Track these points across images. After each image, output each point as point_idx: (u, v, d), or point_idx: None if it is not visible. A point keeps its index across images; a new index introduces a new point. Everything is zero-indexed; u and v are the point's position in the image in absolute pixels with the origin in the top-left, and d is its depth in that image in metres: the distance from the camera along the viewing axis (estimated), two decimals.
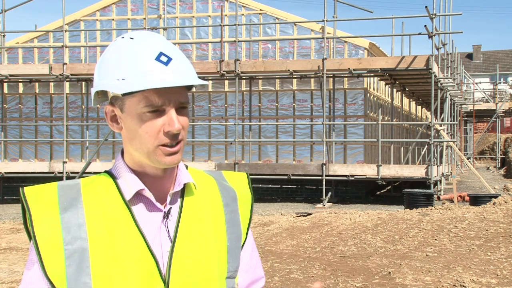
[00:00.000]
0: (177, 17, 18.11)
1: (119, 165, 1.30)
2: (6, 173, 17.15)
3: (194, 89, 15.76)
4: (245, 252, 1.41)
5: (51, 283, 1.19)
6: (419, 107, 25.28)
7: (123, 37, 1.26)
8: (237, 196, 1.40)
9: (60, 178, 16.40)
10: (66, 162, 16.76)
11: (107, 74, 1.24)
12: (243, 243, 1.40)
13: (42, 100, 18.51)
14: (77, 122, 18.04)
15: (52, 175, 16.60)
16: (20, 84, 18.54)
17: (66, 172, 16.56)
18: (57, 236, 1.20)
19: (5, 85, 18.47)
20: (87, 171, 15.33)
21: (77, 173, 16.04)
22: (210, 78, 16.41)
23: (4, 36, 18.23)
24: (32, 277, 1.22)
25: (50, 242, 1.19)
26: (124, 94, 1.21)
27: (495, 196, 12.43)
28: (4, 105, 18.55)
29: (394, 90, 17.99)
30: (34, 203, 1.22)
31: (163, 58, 1.21)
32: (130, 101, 1.22)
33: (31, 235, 1.22)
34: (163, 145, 1.23)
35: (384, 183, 16.25)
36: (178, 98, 1.23)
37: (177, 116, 1.23)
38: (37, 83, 18.38)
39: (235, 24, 15.99)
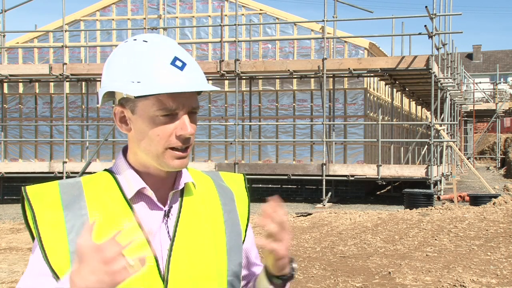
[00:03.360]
0: (177, 17, 18.11)
1: (121, 164, 1.31)
2: (6, 173, 17.15)
3: None
4: (247, 249, 1.44)
5: (57, 278, 1.20)
6: (419, 107, 25.28)
7: (135, 39, 1.27)
8: (235, 196, 1.42)
9: (60, 178, 16.40)
10: (66, 162, 16.76)
11: (119, 75, 1.24)
12: (243, 241, 1.42)
13: (42, 100, 18.52)
14: (77, 122, 18.04)
15: (52, 175, 16.60)
16: (20, 84, 18.54)
17: (66, 172, 16.56)
18: (61, 234, 1.20)
19: (5, 85, 18.47)
20: (87, 171, 15.34)
21: (77, 173, 16.05)
22: (210, 78, 16.41)
23: (4, 36, 18.23)
24: (36, 273, 1.22)
25: (55, 239, 1.20)
26: (137, 97, 1.21)
27: (495, 196, 12.43)
28: (4, 105, 18.55)
29: (394, 90, 17.99)
30: (37, 201, 1.22)
31: (178, 63, 1.23)
32: (143, 103, 1.23)
33: (33, 234, 1.23)
34: (172, 148, 1.24)
35: (384, 183, 16.25)
36: (190, 103, 1.24)
37: (189, 121, 1.24)
38: (37, 83, 18.38)
39: (235, 24, 15.99)
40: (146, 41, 1.25)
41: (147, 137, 1.24)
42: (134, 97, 1.22)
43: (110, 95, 1.30)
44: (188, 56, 1.26)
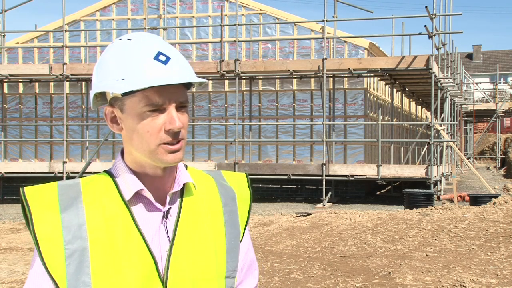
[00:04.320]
0: (177, 17, 18.11)
1: (119, 165, 1.31)
2: (6, 173, 17.15)
3: (194, 89, 15.75)
4: (241, 250, 1.42)
5: (53, 280, 1.20)
6: (419, 107, 25.28)
7: (120, 39, 1.28)
8: (236, 196, 1.41)
9: (60, 178, 16.39)
10: (66, 162, 16.76)
11: (106, 75, 1.25)
12: (240, 242, 1.41)
13: (42, 100, 18.52)
14: (77, 122, 18.04)
15: (52, 175, 16.60)
16: (20, 84, 18.54)
17: (66, 172, 16.56)
18: (57, 236, 1.20)
19: (5, 85, 18.47)
20: (87, 171, 15.33)
21: (77, 173, 16.05)
22: (210, 78, 16.41)
23: (4, 36, 18.23)
24: (36, 274, 1.23)
25: (51, 241, 1.20)
26: (124, 94, 1.21)
27: (495, 196, 12.42)
28: (4, 105, 18.55)
29: (394, 90, 17.99)
30: (35, 202, 1.22)
31: (162, 57, 1.23)
32: (131, 101, 1.23)
33: (32, 235, 1.23)
34: (165, 144, 1.24)
35: (384, 183, 16.25)
36: (178, 97, 1.24)
37: (177, 114, 1.24)
38: (37, 83, 18.39)
39: (235, 24, 15.99)
40: (130, 39, 1.26)
41: (137, 134, 1.24)
42: (121, 95, 1.22)
43: (103, 96, 1.30)
44: (173, 51, 1.26)
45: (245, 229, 1.43)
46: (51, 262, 1.19)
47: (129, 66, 1.21)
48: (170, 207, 1.30)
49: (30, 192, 1.23)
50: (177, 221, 1.29)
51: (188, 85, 1.28)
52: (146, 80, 1.20)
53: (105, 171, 1.33)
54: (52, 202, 1.23)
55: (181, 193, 1.33)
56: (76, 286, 1.19)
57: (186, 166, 1.37)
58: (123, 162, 1.31)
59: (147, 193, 1.27)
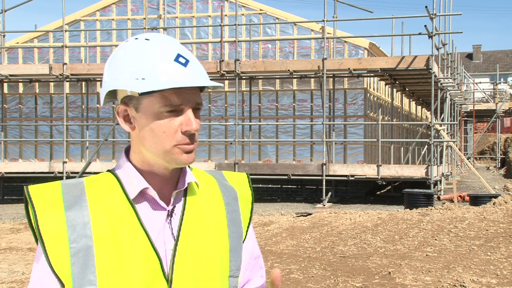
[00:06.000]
0: (177, 17, 18.12)
1: (123, 164, 1.31)
2: (6, 173, 17.15)
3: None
4: (245, 249, 1.42)
5: (58, 278, 1.21)
6: (419, 107, 25.28)
7: (136, 38, 1.27)
8: (238, 195, 1.42)
9: (60, 178, 16.39)
10: (66, 162, 16.76)
11: (122, 73, 1.24)
12: (243, 241, 1.41)
13: (42, 100, 18.52)
14: (77, 122, 18.04)
15: (52, 175, 16.60)
16: (20, 84, 18.54)
17: (66, 172, 16.56)
18: (62, 234, 1.21)
19: (5, 85, 18.47)
20: (87, 171, 15.34)
21: (77, 173, 16.05)
22: (210, 78, 16.28)
23: (4, 36, 18.23)
24: (40, 273, 1.23)
25: (56, 240, 1.20)
26: (142, 94, 1.21)
27: (495, 196, 12.43)
28: (4, 105, 18.55)
29: (394, 90, 17.99)
30: (39, 201, 1.22)
31: (181, 60, 1.24)
32: (148, 100, 1.23)
33: (36, 234, 1.23)
34: (180, 144, 1.25)
35: (384, 183, 16.25)
36: (195, 99, 1.25)
37: (194, 116, 1.25)
38: (37, 83, 18.39)
39: (235, 24, 16.00)
40: (148, 39, 1.26)
41: (153, 134, 1.24)
42: (139, 94, 1.22)
43: (112, 95, 1.30)
44: (190, 54, 1.27)
45: (247, 228, 1.43)
46: (56, 261, 1.20)
47: (149, 66, 1.22)
48: (175, 206, 1.31)
49: (34, 190, 1.24)
50: (182, 219, 1.30)
51: (202, 88, 1.30)
52: (168, 81, 1.20)
53: (108, 170, 1.33)
54: (56, 200, 1.23)
55: (185, 192, 1.34)
56: (82, 284, 1.19)
57: (188, 166, 1.38)
58: (128, 161, 1.31)
59: (152, 192, 1.28)
